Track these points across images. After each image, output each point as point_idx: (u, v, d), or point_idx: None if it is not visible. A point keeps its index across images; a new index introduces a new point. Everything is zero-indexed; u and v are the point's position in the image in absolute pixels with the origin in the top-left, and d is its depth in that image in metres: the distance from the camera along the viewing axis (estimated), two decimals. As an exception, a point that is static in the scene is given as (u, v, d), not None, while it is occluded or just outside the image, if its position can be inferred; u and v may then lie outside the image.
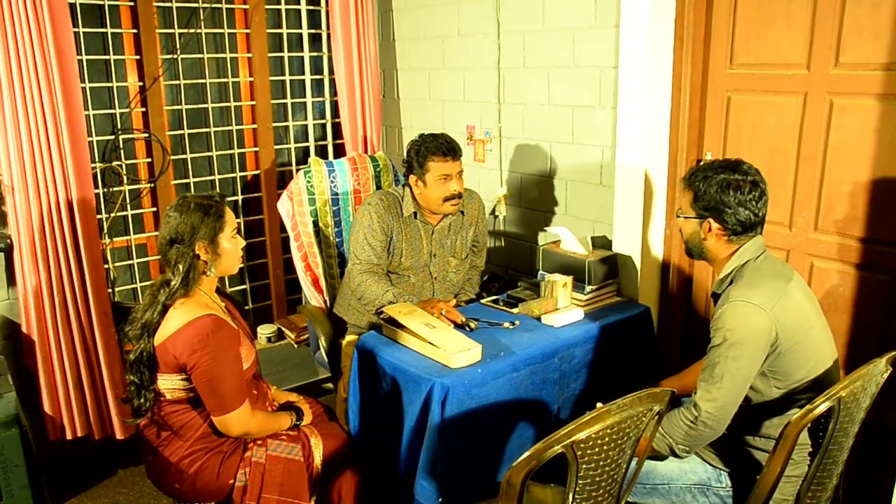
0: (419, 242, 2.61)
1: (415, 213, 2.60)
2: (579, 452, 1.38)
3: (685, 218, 1.87)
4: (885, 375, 1.66)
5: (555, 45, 2.77)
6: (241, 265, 2.99)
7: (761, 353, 1.69)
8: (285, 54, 3.43)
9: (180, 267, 1.89)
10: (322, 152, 3.64)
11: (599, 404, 1.47)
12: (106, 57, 2.94)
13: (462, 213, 2.68)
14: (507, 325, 2.34)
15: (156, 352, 1.88)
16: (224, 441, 1.98)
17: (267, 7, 3.31)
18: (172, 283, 1.88)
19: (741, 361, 1.68)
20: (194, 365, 1.84)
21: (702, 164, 1.88)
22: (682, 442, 1.74)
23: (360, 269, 2.54)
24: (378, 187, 3.07)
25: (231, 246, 1.98)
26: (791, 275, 1.80)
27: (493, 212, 3.18)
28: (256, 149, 3.39)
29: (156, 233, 3.14)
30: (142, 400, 1.91)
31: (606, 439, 1.41)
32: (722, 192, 1.76)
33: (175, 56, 3.11)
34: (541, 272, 2.64)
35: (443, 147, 2.51)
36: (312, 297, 2.98)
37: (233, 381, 1.89)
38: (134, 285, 3.17)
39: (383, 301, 2.44)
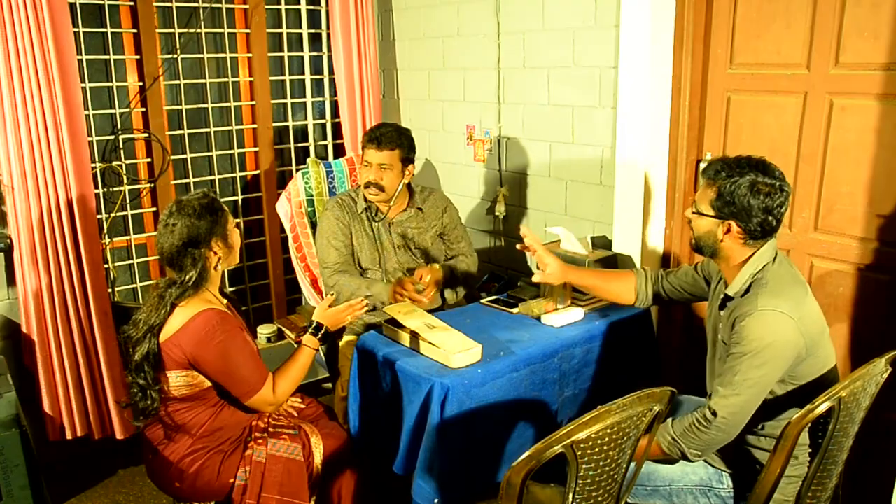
0: (377, 236, 2.61)
1: (367, 207, 2.62)
2: (579, 452, 1.38)
3: (702, 215, 1.77)
4: (885, 375, 1.66)
5: (555, 45, 2.77)
6: (242, 265, 2.99)
7: (787, 362, 1.68)
8: (285, 54, 3.43)
9: (194, 268, 1.89)
10: (322, 152, 3.64)
11: (600, 406, 1.47)
12: (106, 57, 2.94)
13: (420, 209, 2.68)
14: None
15: (161, 350, 1.89)
16: (225, 440, 1.98)
17: (267, 7, 3.31)
18: (184, 282, 1.89)
19: (765, 369, 1.66)
20: (204, 358, 1.85)
21: (725, 157, 1.76)
22: (695, 447, 1.73)
23: (329, 272, 2.57)
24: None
25: (236, 236, 2.02)
26: (804, 280, 1.80)
27: (493, 212, 3.18)
28: (256, 149, 3.39)
29: (156, 233, 3.14)
30: (148, 401, 1.91)
31: (606, 439, 1.41)
32: (751, 195, 1.68)
33: (175, 56, 3.11)
34: (541, 272, 2.63)
35: (368, 135, 2.56)
36: (311, 297, 2.98)
37: (249, 363, 1.92)
38: (134, 285, 3.17)
39: (362, 291, 2.46)
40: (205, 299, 1.93)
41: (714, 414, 1.69)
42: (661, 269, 2.22)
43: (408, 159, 2.59)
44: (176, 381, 1.91)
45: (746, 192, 1.68)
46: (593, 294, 2.24)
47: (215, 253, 1.94)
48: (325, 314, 2.18)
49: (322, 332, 2.14)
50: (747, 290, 1.75)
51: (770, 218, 1.70)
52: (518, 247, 2.23)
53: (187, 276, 1.89)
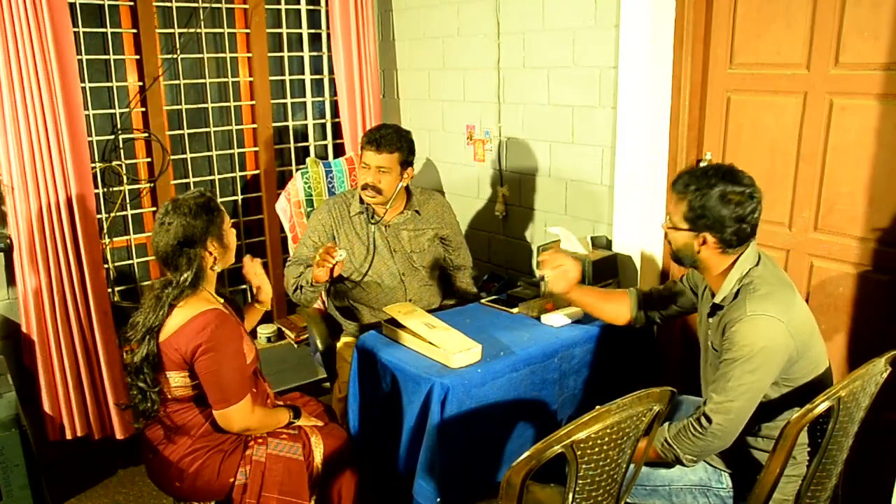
0: (372, 239, 2.58)
1: (363, 210, 2.59)
2: (579, 452, 1.38)
3: (677, 229, 1.78)
4: (885, 375, 1.67)
5: (555, 45, 2.77)
6: (242, 264, 2.96)
7: (779, 366, 1.68)
8: (285, 54, 3.43)
9: (190, 268, 1.88)
10: (322, 152, 3.64)
11: (600, 406, 1.47)
12: (106, 57, 2.94)
13: (417, 212, 2.65)
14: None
15: (160, 350, 1.88)
16: (225, 440, 1.98)
17: (267, 7, 3.31)
18: (180, 282, 1.88)
19: (758, 374, 1.66)
20: (198, 357, 1.85)
21: (692, 169, 1.78)
22: (690, 452, 1.73)
23: (288, 263, 2.59)
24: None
25: (232, 237, 2.01)
26: (790, 280, 1.80)
27: (493, 211, 3.18)
28: (256, 149, 3.39)
29: (152, 231, 3.14)
30: (148, 403, 1.91)
31: (606, 439, 1.41)
32: (721, 206, 1.68)
33: (175, 56, 3.11)
34: (540, 272, 2.63)
35: (368, 136, 2.53)
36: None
37: (235, 375, 1.90)
38: (134, 285, 3.17)
39: (298, 281, 2.48)
40: (204, 299, 1.93)
41: (709, 420, 1.69)
42: (653, 287, 2.20)
43: (407, 162, 2.55)
44: (175, 381, 1.90)
45: (717, 204, 1.69)
46: (590, 313, 2.23)
47: (210, 253, 1.93)
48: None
49: (297, 416, 2.15)
50: (735, 296, 1.75)
51: (744, 226, 1.70)
52: (539, 272, 2.17)
53: (183, 277, 1.88)
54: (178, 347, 1.86)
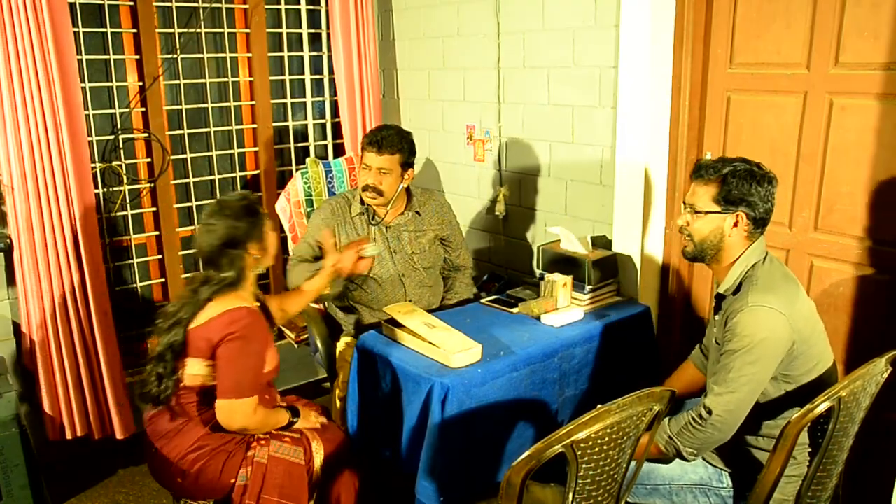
0: (371, 239, 2.57)
1: (364, 211, 2.59)
2: (579, 452, 1.38)
3: (706, 213, 1.77)
4: (885, 375, 1.67)
5: (555, 45, 2.77)
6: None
7: (778, 358, 1.69)
8: (285, 54, 3.43)
9: (232, 268, 1.93)
10: (322, 152, 3.64)
11: (600, 406, 1.47)
12: (106, 57, 2.94)
13: (418, 213, 2.64)
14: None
15: (188, 337, 1.91)
16: (229, 440, 1.98)
17: (267, 7, 3.31)
18: (220, 280, 1.92)
19: (758, 366, 1.67)
20: (225, 342, 1.88)
21: (709, 158, 1.83)
22: (691, 445, 1.73)
23: (291, 263, 2.57)
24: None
25: (272, 240, 2.05)
26: (795, 278, 1.81)
27: (493, 211, 3.18)
28: (256, 149, 3.39)
29: (156, 232, 3.15)
30: (162, 387, 1.94)
31: (606, 439, 1.42)
32: (754, 182, 1.73)
33: (175, 56, 3.11)
34: (540, 272, 2.64)
35: (369, 137, 2.52)
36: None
37: (250, 373, 1.93)
38: (134, 285, 3.17)
39: (307, 270, 2.44)
40: (241, 297, 1.97)
41: (709, 412, 1.70)
42: (700, 344, 2.18)
43: (407, 164, 2.55)
44: (193, 369, 1.93)
45: (750, 180, 1.73)
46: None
47: (252, 255, 1.98)
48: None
49: (296, 416, 2.15)
50: (738, 289, 1.77)
51: (769, 206, 1.75)
52: None
53: (225, 275, 1.93)
54: (209, 336, 1.90)
